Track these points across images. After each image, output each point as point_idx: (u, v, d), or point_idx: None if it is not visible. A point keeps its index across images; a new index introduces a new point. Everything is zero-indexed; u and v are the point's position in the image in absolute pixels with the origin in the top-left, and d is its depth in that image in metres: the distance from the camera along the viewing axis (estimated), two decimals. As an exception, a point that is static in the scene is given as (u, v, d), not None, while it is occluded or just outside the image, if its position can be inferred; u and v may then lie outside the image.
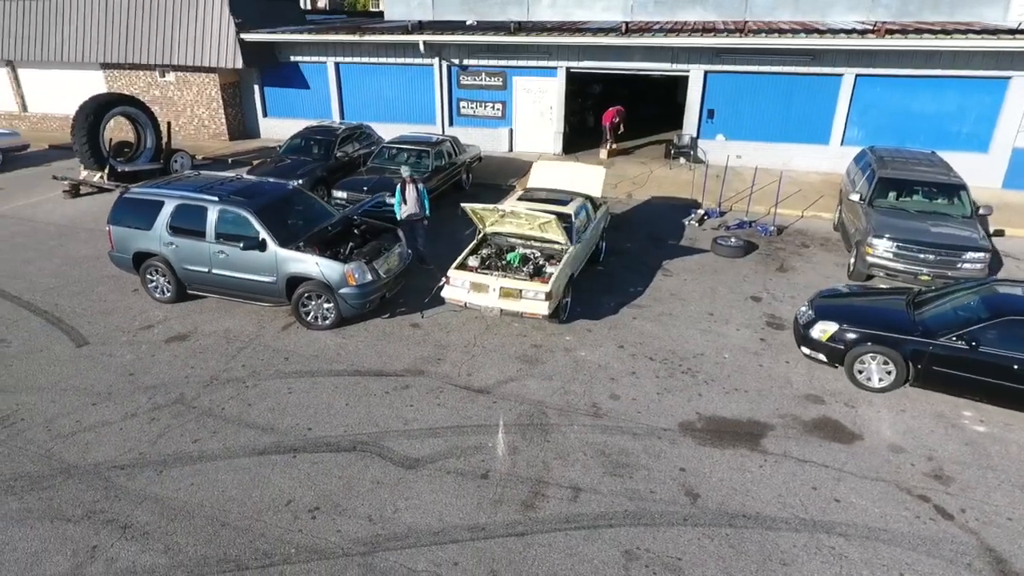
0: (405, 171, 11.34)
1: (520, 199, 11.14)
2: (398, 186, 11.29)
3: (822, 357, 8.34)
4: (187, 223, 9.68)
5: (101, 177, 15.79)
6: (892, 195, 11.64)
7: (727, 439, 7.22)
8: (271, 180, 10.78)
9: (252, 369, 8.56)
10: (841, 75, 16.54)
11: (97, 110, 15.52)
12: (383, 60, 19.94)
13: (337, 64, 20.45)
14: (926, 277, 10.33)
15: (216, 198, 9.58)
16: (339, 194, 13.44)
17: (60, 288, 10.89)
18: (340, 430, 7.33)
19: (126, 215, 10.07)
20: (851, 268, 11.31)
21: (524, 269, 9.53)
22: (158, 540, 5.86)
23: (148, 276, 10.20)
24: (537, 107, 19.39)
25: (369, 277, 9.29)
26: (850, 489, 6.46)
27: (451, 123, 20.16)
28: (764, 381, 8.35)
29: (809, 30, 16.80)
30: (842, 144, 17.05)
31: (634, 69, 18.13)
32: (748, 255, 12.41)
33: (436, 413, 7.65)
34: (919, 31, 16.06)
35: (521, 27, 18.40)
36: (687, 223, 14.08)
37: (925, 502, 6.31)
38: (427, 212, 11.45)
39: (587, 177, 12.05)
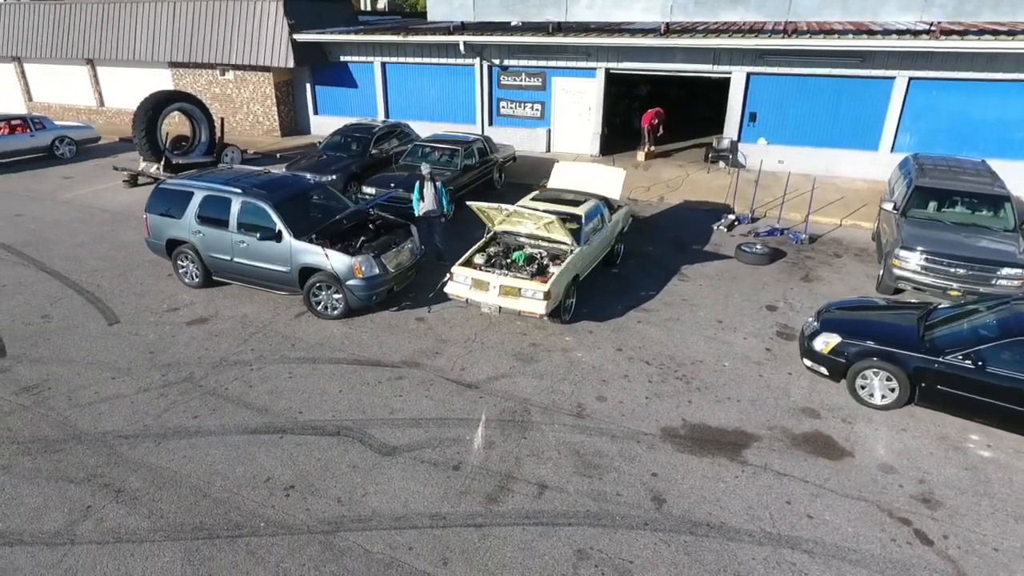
0: (424, 168, 11.61)
1: (535, 199, 11.22)
2: (416, 183, 11.58)
3: (823, 370, 8.03)
4: (213, 213, 10.26)
5: (157, 168, 16.86)
6: (932, 205, 11.05)
7: (708, 447, 7.09)
8: (294, 174, 11.27)
9: (260, 353, 9.01)
10: (893, 78, 15.74)
11: (156, 106, 16.61)
12: (426, 60, 20.39)
13: (383, 64, 21.05)
14: (956, 292, 9.76)
15: (240, 190, 10.11)
16: (368, 190, 13.89)
17: (104, 270, 11.75)
18: (328, 415, 7.64)
19: (161, 204, 10.76)
20: (879, 280, 10.82)
21: (528, 268, 9.62)
22: (144, 505, 6.29)
23: (179, 262, 10.87)
24: (576, 108, 19.35)
25: (376, 271, 9.59)
26: (826, 506, 6.23)
27: (491, 123, 20.39)
28: (760, 392, 8.13)
29: (860, 31, 16.09)
30: (892, 150, 16.23)
31: (674, 71, 17.83)
32: (773, 263, 12.04)
33: (422, 404, 7.84)
34: (981, 32, 15.12)
35: (560, 28, 18.44)
36: (715, 228, 13.78)
37: (905, 525, 6.01)
38: (445, 209, 11.68)
39: (607, 179, 12.03)
